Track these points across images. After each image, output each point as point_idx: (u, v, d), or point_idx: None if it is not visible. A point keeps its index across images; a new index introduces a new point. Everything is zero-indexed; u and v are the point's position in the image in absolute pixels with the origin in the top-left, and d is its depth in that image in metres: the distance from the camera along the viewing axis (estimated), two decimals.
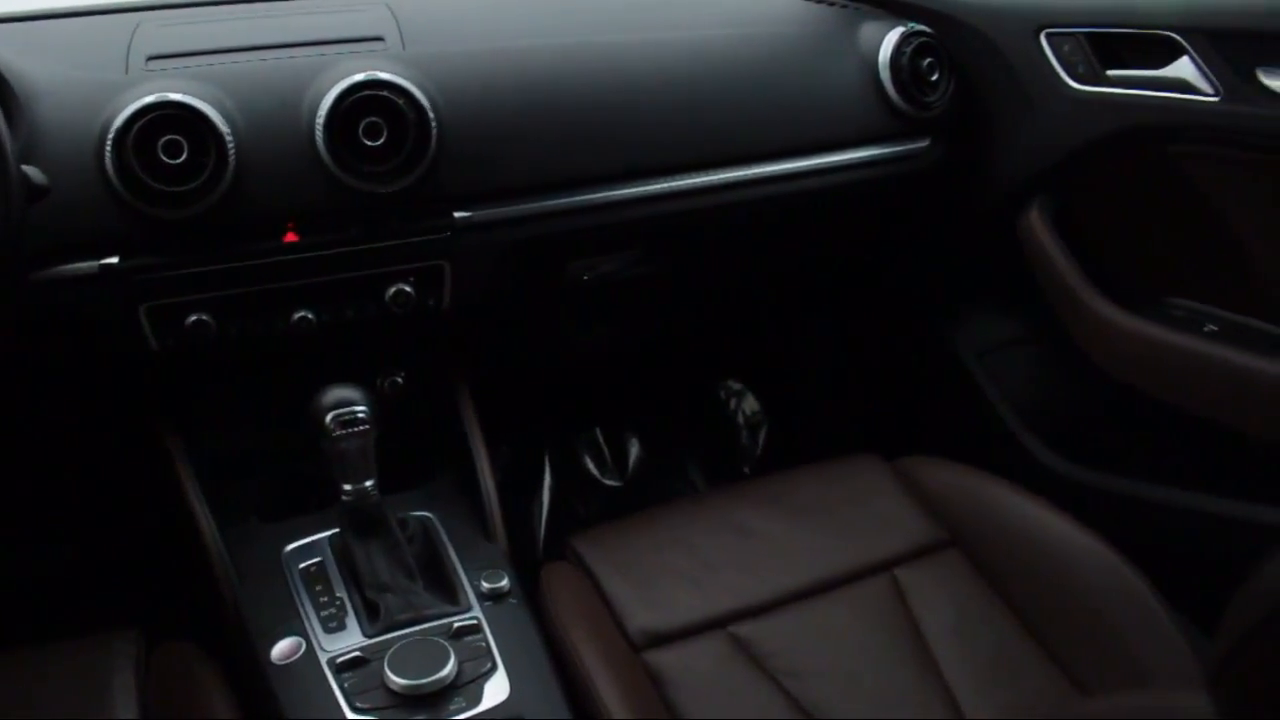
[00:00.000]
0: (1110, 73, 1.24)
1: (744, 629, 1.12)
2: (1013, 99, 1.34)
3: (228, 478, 1.27)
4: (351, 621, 1.09)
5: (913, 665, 1.10)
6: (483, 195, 1.17)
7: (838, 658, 1.10)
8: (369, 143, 1.07)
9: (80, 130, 1.03)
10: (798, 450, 1.87)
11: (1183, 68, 1.16)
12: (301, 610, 1.11)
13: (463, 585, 1.14)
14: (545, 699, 1.03)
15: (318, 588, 1.14)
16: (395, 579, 1.12)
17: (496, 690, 1.02)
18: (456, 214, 1.16)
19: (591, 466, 1.88)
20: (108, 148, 1.01)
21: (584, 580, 1.17)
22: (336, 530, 1.18)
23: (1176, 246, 1.29)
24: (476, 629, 1.08)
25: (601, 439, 1.90)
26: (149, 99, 1.02)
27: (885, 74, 1.33)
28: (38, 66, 1.07)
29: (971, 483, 1.27)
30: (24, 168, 0.90)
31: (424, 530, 1.22)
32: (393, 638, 1.06)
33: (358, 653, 1.05)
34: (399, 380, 1.32)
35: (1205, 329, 1.24)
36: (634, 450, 1.90)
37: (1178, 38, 1.15)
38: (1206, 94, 1.14)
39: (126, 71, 1.09)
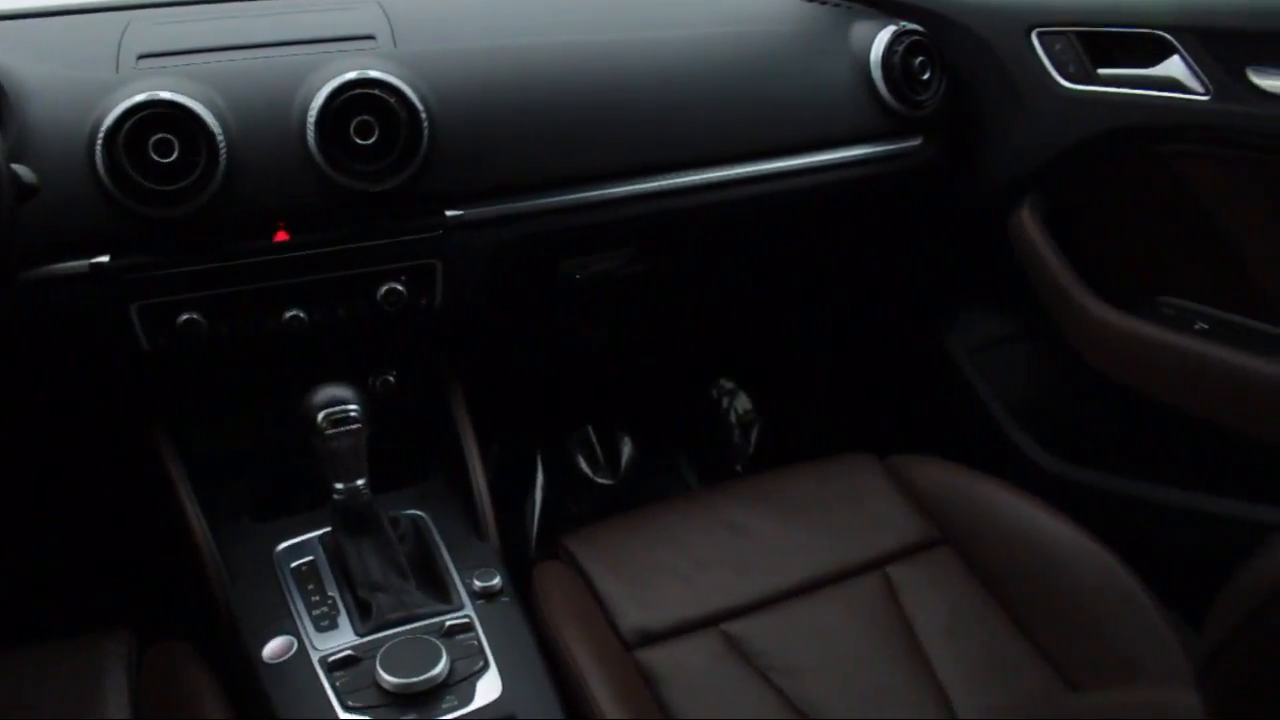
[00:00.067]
0: (1101, 72, 1.24)
1: (736, 627, 1.13)
2: (1004, 98, 1.34)
3: (219, 477, 1.27)
4: (343, 620, 1.09)
5: (905, 663, 1.10)
6: (475, 194, 1.17)
7: (830, 656, 1.10)
8: (360, 141, 1.07)
9: (71, 129, 1.03)
10: (790, 449, 1.87)
11: (1173, 67, 1.16)
12: (293, 609, 1.11)
13: (455, 584, 1.14)
14: (537, 697, 1.03)
15: (309, 587, 1.14)
16: (387, 578, 1.12)
17: (488, 689, 1.02)
18: (448, 212, 1.16)
19: (584, 465, 1.88)
20: (98, 146, 1.01)
21: (576, 579, 1.17)
22: (328, 529, 1.18)
23: (1167, 245, 1.29)
24: (468, 628, 1.08)
25: (594, 438, 1.90)
26: (140, 97, 1.01)
27: (877, 73, 1.33)
28: (28, 65, 1.06)
29: (963, 481, 1.28)
30: (14, 166, 0.90)
31: (416, 529, 1.22)
32: (385, 636, 1.06)
33: (350, 652, 1.05)
34: (391, 379, 1.32)
35: (1196, 327, 1.25)
36: (626, 449, 1.90)
37: (1168, 37, 1.15)
38: (1197, 93, 1.14)
39: (117, 70, 1.09)
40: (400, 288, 1.16)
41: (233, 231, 1.09)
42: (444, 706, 0.99)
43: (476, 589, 1.13)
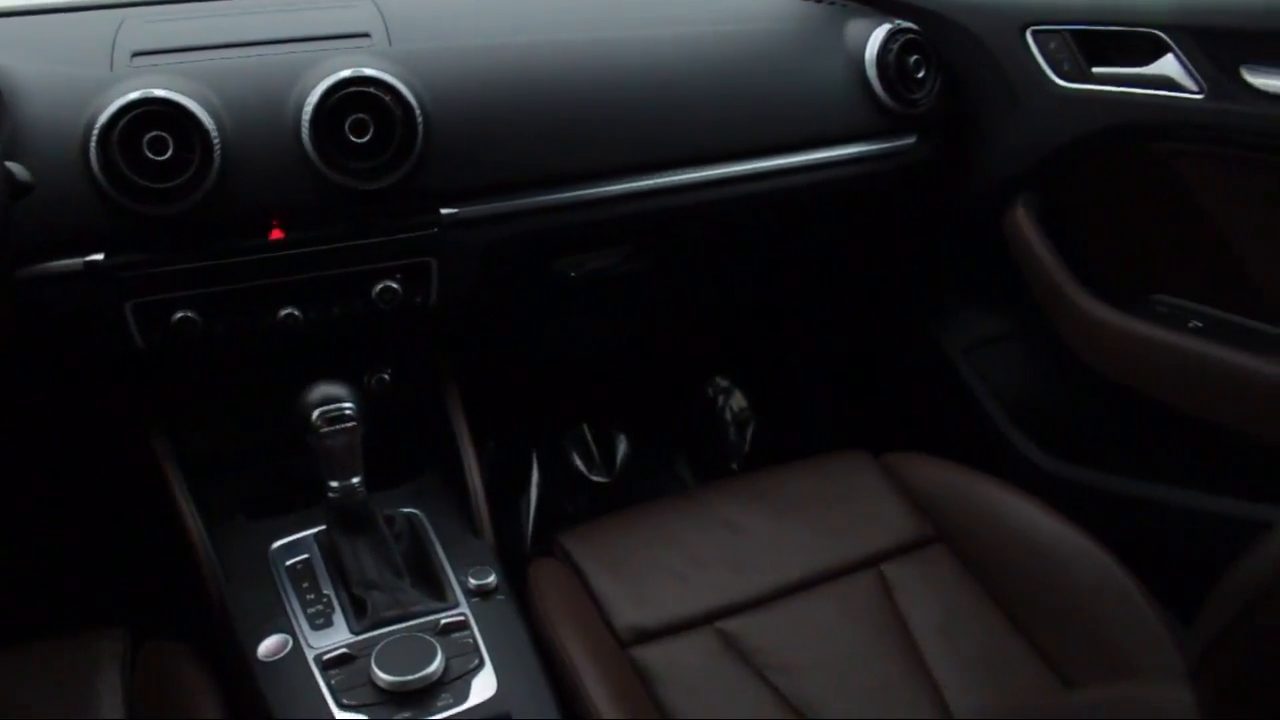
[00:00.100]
0: (1096, 70, 1.24)
1: (732, 625, 1.13)
2: (999, 96, 1.34)
3: (214, 475, 1.27)
4: (338, 618, 1.09)
5: (900, 660, 1.10)
6: (470, 192, 1.17)
7: (825, 653, 1.10)
8: (355, 139, 1.07)
9: (65, 126, 1.03)
10: (785, 447, 1.87)
11: (1167, 65, 1.16)
12: (288, 607, 1.11)
13: (450, 582, 1.14)
14: (533, 695, 1.03)
15: (304, 585, 1.13)
16: (382, 576, 1.12)
17: (484, 686, 1.02)
18: (443, 210, 1.16)
19: (579, 463, 1.87)
20: (92, 144, 1.01)
21: (572, 577, 1.17)
22: (323, 527, 1.18)
23: (1161, 243, 1.30)
24: (464, 625, 1.08)
25: (589, 436, 1.90)
26: (134, 95, 1.01)
27: (872, 71, 1.33)
28: (22, 62, 1.06)
29: (958, 479, 1.28)
30: (8, 164, 0.90)
31: (411, 527, 1.22)
32: (380, 634, 1.06)
33: (345, 650, 1.05)
34: (386, 377, 1.31)
35: (1189, 325, 1.25)
36: (622, 447, 1.90)
37: (1163, 35, 1.15)
38: (1191, 91, 1.15)
39: (111, 68, 1.09)
40: (395, 285, 1.16)
41: (227, 229, 1.09)
42: (439, 705, 0.99)
43: (471, 587, 1.13)
